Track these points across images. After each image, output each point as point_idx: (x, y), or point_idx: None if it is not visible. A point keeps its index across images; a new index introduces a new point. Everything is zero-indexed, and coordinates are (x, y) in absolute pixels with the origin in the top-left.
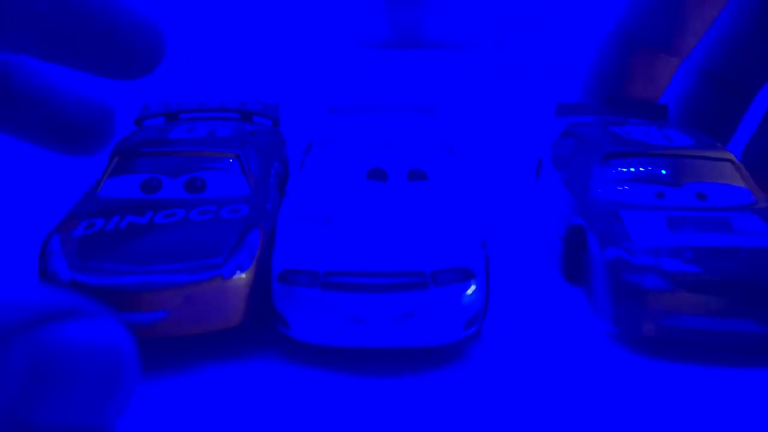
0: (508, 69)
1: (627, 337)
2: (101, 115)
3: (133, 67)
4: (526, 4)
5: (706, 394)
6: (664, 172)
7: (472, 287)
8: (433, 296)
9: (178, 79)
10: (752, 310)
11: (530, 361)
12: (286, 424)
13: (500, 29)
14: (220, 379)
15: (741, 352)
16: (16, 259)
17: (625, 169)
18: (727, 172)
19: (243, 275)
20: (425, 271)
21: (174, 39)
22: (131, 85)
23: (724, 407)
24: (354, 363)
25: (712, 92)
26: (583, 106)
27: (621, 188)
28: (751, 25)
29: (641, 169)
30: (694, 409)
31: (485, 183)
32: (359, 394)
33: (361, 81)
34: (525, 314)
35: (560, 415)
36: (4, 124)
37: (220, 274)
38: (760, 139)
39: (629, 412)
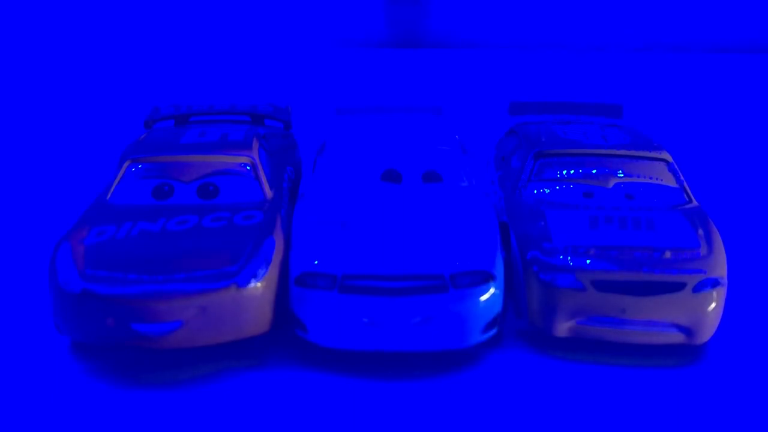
0: (508, 69)
1: (542, 335)
2: None
3: None
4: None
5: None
6: (594, 171)
7: (492, 290)
8: (452, 299)
9: (187, 82)
10: (667, 310)
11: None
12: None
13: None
14: (237, 387)
15: (656, 351)
16: (23, 269)
17: (555, 168)
18: (660, 172)
19: (259, 284)
20: (444, 274)
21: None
22: (139, 87)
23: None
24: (372, 367)
25: None
26: (537, 105)
27: (550, 187)
28: None
29: (572, 168)
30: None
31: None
32: (377, 399)
33: (367, 80)
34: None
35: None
36: None
37: (235, 282)
38: None
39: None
